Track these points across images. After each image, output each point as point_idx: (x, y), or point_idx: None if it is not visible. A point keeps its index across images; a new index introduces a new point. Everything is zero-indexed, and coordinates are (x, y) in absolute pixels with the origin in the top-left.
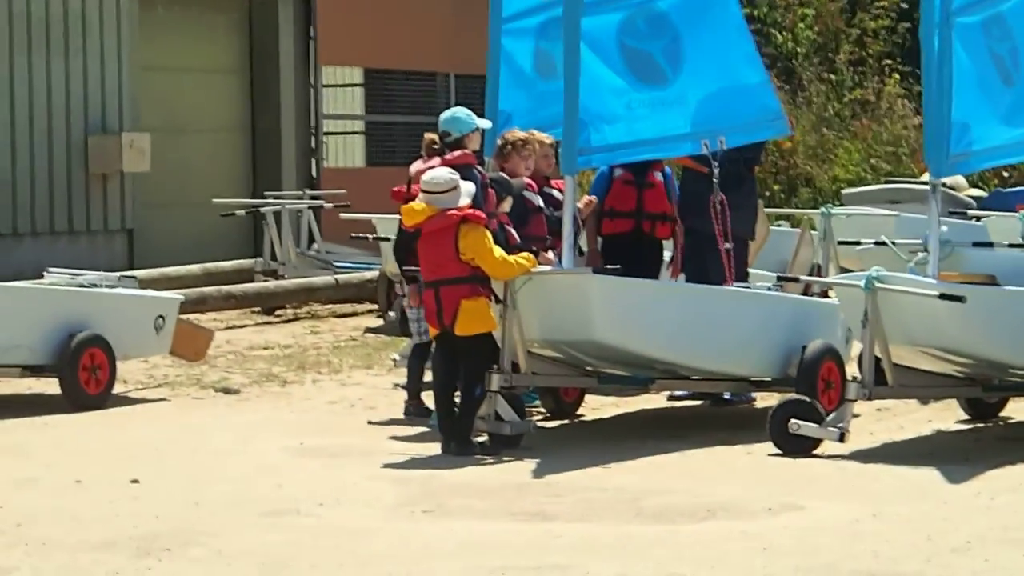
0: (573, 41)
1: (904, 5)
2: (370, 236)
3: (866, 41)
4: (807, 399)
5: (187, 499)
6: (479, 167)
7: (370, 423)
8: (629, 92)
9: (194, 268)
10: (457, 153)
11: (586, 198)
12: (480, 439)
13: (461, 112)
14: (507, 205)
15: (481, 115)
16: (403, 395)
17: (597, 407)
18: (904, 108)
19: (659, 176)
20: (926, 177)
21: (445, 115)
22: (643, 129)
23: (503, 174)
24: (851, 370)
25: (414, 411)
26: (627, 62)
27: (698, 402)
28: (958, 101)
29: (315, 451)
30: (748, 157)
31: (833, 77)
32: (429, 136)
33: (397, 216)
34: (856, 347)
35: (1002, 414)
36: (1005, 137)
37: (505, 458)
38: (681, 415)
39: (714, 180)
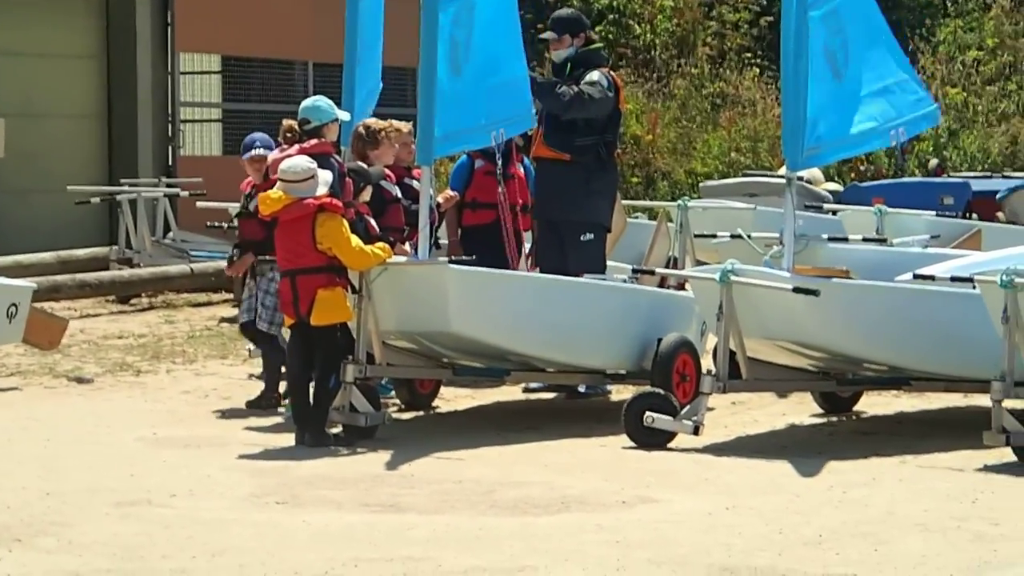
0: (429, 34)
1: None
2: (225, 225)
3: (726, 34)
4: (662, 392)
5: (39, 489)
6: (337, 156)
7: (224, 414)
8: (446, 81)
9: (48, 256)
10: (315, 142)
11: (447, 193)
12: (335, 430)
13: (323, 101)
14: (366, 195)
15: (338, 103)
16: (259, 386)
17: (452, 399)
18: (764, 102)
19: (520, 167)
20: (783, 171)
21: (307, 103)
22: (459, 118)
23: (361, 163)
24: (706, 363)
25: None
26: (450, 50)
27: (553, 395)
28: (810, 95)
29: (169, 441)
30: (608, 141)
31: (693, 71)
32: (288, 123)
33: None
34: (711, 340)
35: (856, 408)
36: (844, 131)
37: (360, 449)
38: (536, 408)
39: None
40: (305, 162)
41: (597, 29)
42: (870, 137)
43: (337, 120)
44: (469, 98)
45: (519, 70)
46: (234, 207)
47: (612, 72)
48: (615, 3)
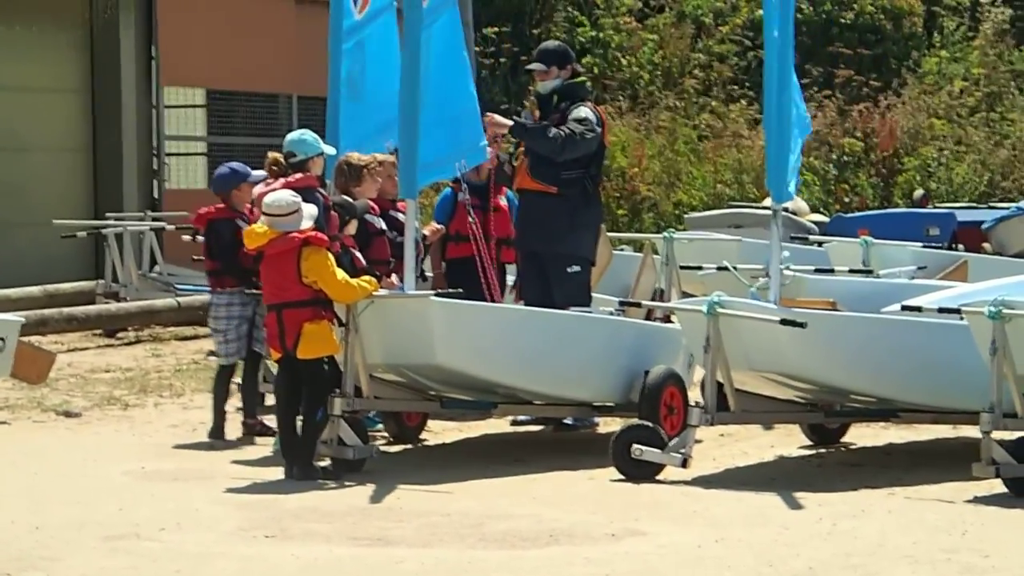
0: (413, 60)
1: (749, 33)
2: None
3: (712, 66)
4: (650, 424)
5: (27, 523)
6: (322, 190)
7: (212, 447)
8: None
9: (35, 290)
10: (299, 176)
11: (432, 226)
12: (323, 464)
13: (308, 135)
14: (352, 228)
15: (323, 136)
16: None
17: (440, 432)
18: (749, 133)
19: (503, 200)
20: (768, 202)
21: (292, 136)
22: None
23: (347, 197)
24: (694, 395)
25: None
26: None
27: (541, 427)
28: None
29: (157, 475)
30: (593, 175)
31: (678, 103)
32: (273, 155)
33: None
34: (699, 372)
35: (844, 440)
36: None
37: (348, 483)
38: (524, 440)
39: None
40: (289, 196)
41: (584, 62)
42: None
43: (322, 154)
44: (433, 129)
45: (470, 102)
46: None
47: (596, 106)
48: (601, 36)
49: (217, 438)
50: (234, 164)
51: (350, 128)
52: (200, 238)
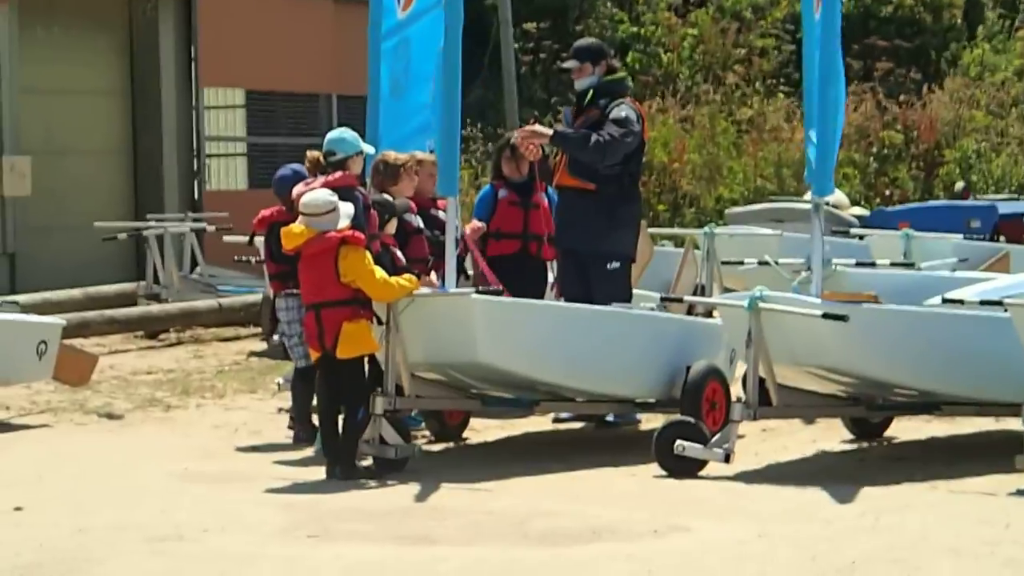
0: (453, 57)
1: (790, 26)
2: (253, 259)
3: (753, 60)
4: (692, 420)
5: (71, 526)
6: (361, 188)
7: (255, 448)
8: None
9: (76, 292)
10: (338, 174)
11: (474, 223)
12: (365, 463)
13: (348, 133)
14: (391, 227)
15: (363, 135)
16: (288, 419)
17: (481, 430)
18: (789, 127)
19: (543, 197)
20: (809, 196)
21: (332, 134)
22: None
23: (386, 196)
24: (736, 391)
25: (304, 436)
26: None
27: (583, 424)
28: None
29: (199, 476)
30: (632, 171)
31: (718, 98)
32: (314, 154)
33: None
34: (740, 367)
35: (886, 434)
36: None
37: (390, 482)
38: (566, 437)
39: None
40: (326, 195)
41: (628, 59)
42: None
43: (362, 153)
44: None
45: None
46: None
47: (635, 102)
48: (642, 31)
49: (307, 442)
50: (295, 165)
51: (391, 127)
52: (258, 240)
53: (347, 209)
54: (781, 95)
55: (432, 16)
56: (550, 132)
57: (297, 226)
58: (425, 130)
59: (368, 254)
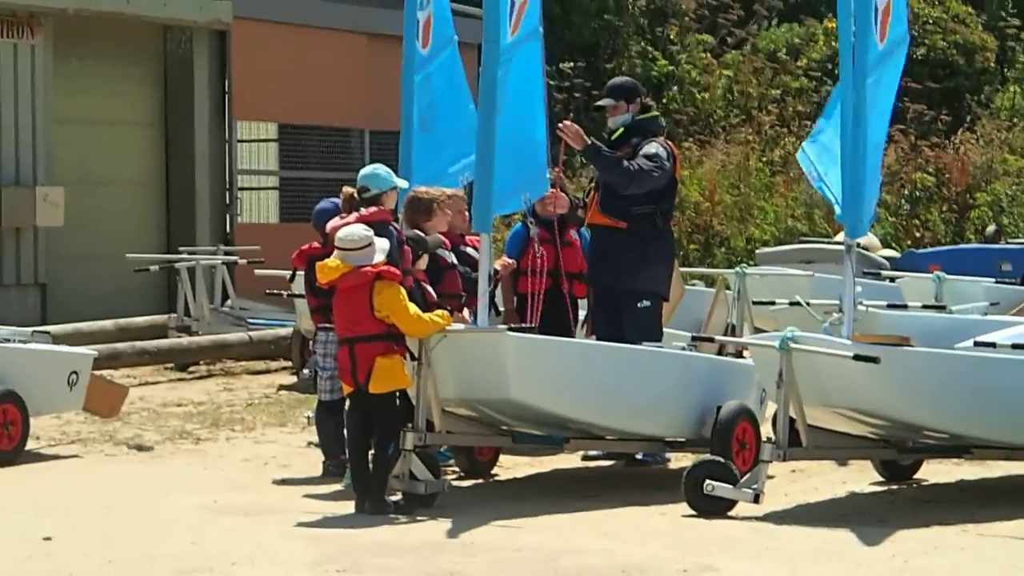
0: (490, 94)
1: (828, 65)
2: (284, 293)
3: (787, 101)
4: (722, 460)
5: (101, 556)
6: (395, 224)
7: (284, 481)
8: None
9: (107, 324)
10: (373, 209)
11: (504, 260)
12: (394, 498)
13: (381, 169)
14: (423, 263)
15: (395, 170)
16: (318, 453)
17: (511, 466)
18: None
19: (575, 234)
20: (840, 237)
21: (366, 170)
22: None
23: (419, 231)
24: (766, 431)
25: (333, 470)
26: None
27: (612, 462)
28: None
29: (229, 509)
30: (664, 210)
31: (752, 137)
32: (348, 190)
33: None
34: (771, 407)
35: (916, 476)
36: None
37: (420, 517)
38: (596, 475)
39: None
40: (362, 230)
41: (667, 97)
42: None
43: (395, 188)
44: (500, 161)
45: (540, 135)
46: (288, 273)
47: (668, 141)
48: (676, 71)
49: (336, 476)
50: (336, 199)
51: (423, 162)
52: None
53: (382, 244)
54: None
55: (449, 52)
56: (588, 141)
57: (332, 260)
58: (456, 164)
59: (403, 289)
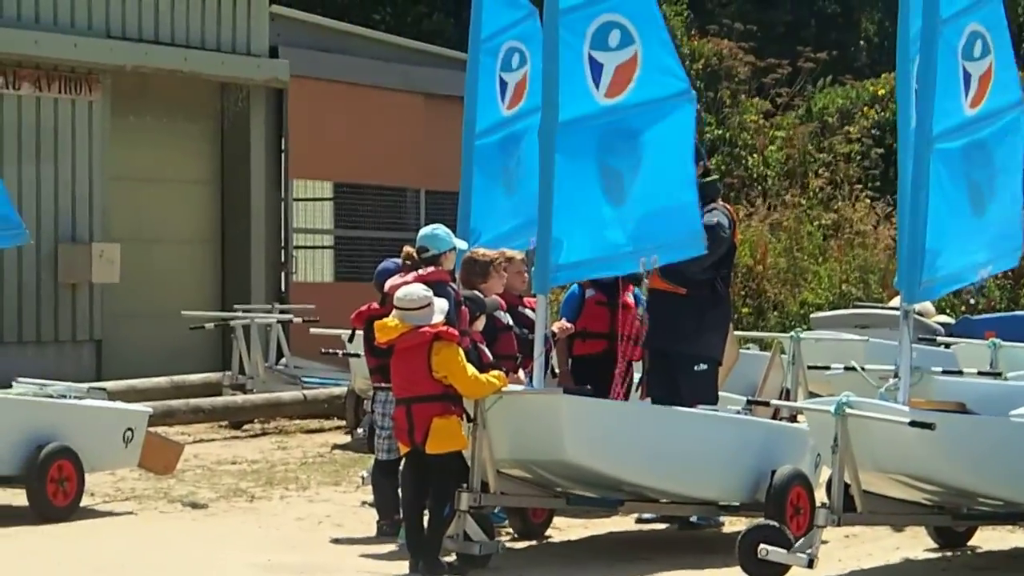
0: (548, 158)
1: (876, 132)
2: (339, 352)
3: (838, 165)
4: (776, 524)
5: None
6: (453, 284)
7: (338, 540)
8: (600, 209)
9: (162, 381)
10: (431, 270)
11: (562, 323)
12: (448, 558)
13: (441, 230)
14: (480, 324)
15: (452, 230)
16: (371, 512)
17: (565, 528)
18: (874, 233)
19: (630, 297)
20: (894, 302)
21: (425, 231)
22: (596, 247)
23: (477, 292)
24: (820, 496)
25: (388, 529)
26: (602, 179)
27: (666, 525)
28: (932, 227)
29: (282, 568)
30: (723, 276)
31: (803, 201)
32: (408, 249)
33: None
34: (825, 472)
35: (971, 543)
36: (961, 263)
37: None
38: (649, 538)
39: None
40: (421, 290)
41: (712, 161)
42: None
43: (454, 249)
44: (615, 226)
45: (688, 195)
46: (346, 333)
47: (728, 205)
48: (728, 134)
49: (390, 535)
50: (398, 260)
51: (499, 221)
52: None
53: (441, 304)
54: (867, 200)
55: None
56: None
57: (391, 320)
58: (531, 226)
59: (461, 350)
